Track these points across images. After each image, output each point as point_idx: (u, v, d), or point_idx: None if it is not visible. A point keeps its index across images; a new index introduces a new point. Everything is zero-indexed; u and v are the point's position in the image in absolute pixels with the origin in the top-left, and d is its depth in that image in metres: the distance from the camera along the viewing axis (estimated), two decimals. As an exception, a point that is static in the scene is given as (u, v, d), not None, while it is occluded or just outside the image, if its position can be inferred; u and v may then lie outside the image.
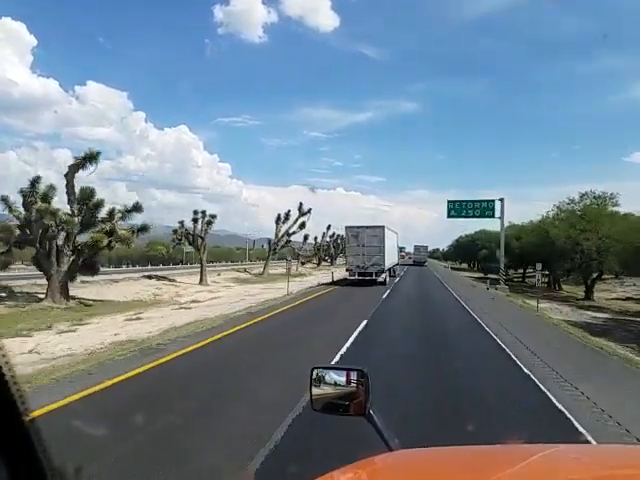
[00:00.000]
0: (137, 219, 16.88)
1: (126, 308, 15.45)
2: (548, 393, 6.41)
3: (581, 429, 5.04)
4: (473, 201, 28.40)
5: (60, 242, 15.27)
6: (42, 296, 15.43)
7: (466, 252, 75.33)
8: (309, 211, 38.56)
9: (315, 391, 1.73)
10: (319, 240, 60.87)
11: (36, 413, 3.68)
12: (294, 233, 38.87)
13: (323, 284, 27.95)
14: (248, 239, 75.18)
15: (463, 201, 28.81)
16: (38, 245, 15.12)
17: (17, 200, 15.31)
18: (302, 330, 11.80)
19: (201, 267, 27.58)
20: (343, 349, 8.89)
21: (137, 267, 42.17)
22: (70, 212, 15.34)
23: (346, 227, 28.94)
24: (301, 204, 38.32)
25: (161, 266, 48.61)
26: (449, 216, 28.73)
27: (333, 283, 28.30)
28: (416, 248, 77.21)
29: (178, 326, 11.53)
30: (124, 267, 42.30)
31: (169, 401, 5.80)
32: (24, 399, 0.76)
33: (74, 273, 15.75)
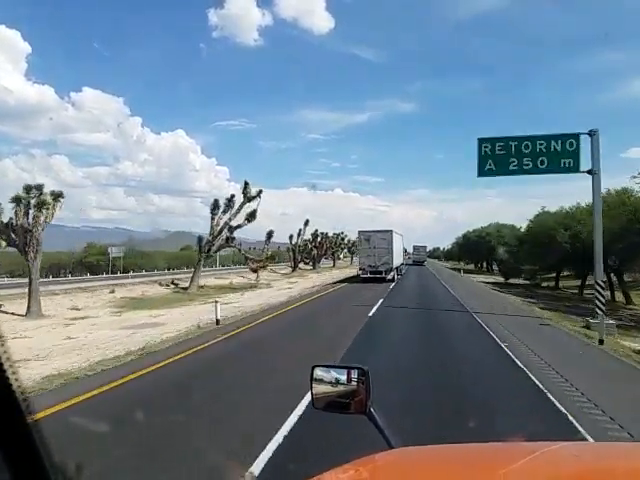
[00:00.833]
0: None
1: None
2: None
3: None
4: (531, 138, 13.56)
5: None
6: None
7: (474, 251, 62.61)
8: (259, 194, 26.42)
9: (316, 389, 1.73)
10: (297, 239, 48.93)
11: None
12: (238, 227, 26.69)
13: (277, 308, 15.92)
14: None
15: (512, 139, 13.81)
16: None
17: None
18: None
19: (29, 285, 15.31)
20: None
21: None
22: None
23: (359, 231, 31.68)
24: (246, 184, 26.17)
25: (70, 277, 36.38)
26: (482, 173, 13.97)
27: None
28: (415, 248, 75.87)
29: None
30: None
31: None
32: (27, 398, 0.76)
33: None
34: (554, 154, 12.91)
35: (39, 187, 15.65)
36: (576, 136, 12.99)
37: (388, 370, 7.26)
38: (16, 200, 15.21)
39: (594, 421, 5.18)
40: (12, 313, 15.31)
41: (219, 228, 26.07)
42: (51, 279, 31.82)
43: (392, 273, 29.91)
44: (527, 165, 13.31)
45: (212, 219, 26.20)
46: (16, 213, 15.26)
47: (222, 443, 4.60)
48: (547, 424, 5.03)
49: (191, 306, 18.09)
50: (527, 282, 37.19)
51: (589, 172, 12.59)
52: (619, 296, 25.45)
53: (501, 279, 45.10)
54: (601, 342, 10.01)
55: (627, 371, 8.03)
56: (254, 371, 7.53)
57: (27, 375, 6.95)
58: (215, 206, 26.26)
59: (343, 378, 1.68)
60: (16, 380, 0.74)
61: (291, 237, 49.24)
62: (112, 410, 5.64)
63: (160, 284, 27.31)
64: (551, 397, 6.09)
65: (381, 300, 18.05)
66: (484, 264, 70.78)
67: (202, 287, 25.64)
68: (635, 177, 18.42)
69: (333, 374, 1.71)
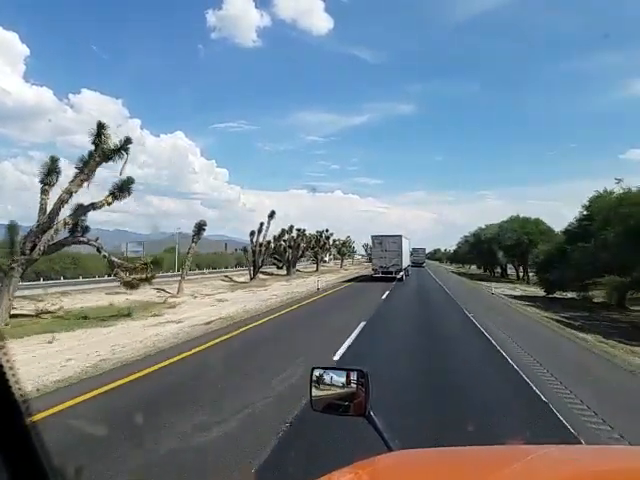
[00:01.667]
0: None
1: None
2: None
3: None
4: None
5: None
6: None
7: (489, 252, 49.53)
8: (125, 146, 14.41)
9: (315, 392, 1.72)
10: (257, 237, 36.83)
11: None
12: (94, 208, 14.72)
13: None
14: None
15: None
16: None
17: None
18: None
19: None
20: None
21: None
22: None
23: (372, 236, 35.45)
24: (101, 126, 14.11)
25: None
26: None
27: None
28: (414, 250, 73.52)
29: None
30: None
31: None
32: (26, 400, 0.75)
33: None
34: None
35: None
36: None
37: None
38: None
39: None
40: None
41: (54, 209, 14.13)
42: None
43: (401, 273, 33.25)
44: None
45: (43, 193, 14.25)
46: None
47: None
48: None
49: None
50: (577, 296, 25.04)
51: None
52: None
53: (529, 289, 32.90)
54: None
55: None
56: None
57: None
58: (50, 170, 14.29)
59: (342, 380, 1.67)
60: (16, 382, 0.72)
61: (252, 234, 37.26)
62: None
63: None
64: None
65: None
66: (497, 268, 58.37)
67: (16, 317, 13.77)
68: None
69: (332, 376, 1.70)
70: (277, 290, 26.04)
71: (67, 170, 14.80)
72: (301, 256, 47.32)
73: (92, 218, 15.51)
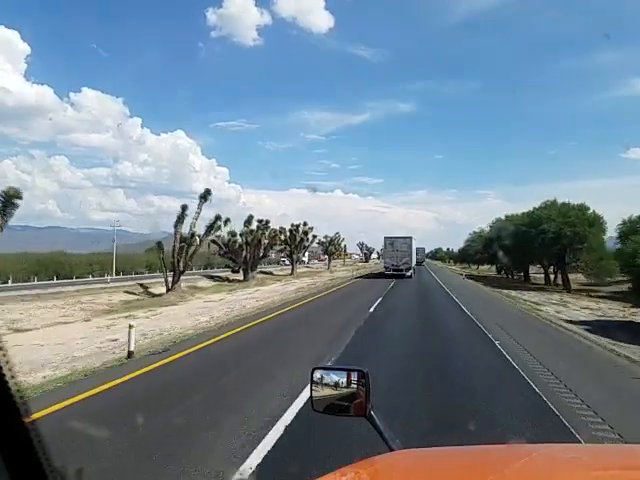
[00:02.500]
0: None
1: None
2: None
3: None
4: None
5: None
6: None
7: (514, 250, 36.35)
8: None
9: (316, 392, 1.71)
10: (178, 228, 27.28)
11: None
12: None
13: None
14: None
15: None
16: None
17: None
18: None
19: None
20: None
21: None
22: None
23: (385, 237, 39.09)
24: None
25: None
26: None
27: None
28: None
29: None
30: None
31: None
32: (24, 400, 0.74)
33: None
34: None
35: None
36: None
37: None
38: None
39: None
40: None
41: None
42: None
43: (410, 271, 37.21)
44: None
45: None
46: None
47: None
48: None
49: None
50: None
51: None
52: None
53: (591, 304, 21.11)
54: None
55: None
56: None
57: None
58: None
59: (343, 380, 1.67)
60: (14, 382, 0.72)
61: (176, 225, 24.42)
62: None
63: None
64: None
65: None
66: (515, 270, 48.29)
67: None
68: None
69: (333, 376, 1.70)
70: (170, 319, 13.97)
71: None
72: (264, 256, 38.06)
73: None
